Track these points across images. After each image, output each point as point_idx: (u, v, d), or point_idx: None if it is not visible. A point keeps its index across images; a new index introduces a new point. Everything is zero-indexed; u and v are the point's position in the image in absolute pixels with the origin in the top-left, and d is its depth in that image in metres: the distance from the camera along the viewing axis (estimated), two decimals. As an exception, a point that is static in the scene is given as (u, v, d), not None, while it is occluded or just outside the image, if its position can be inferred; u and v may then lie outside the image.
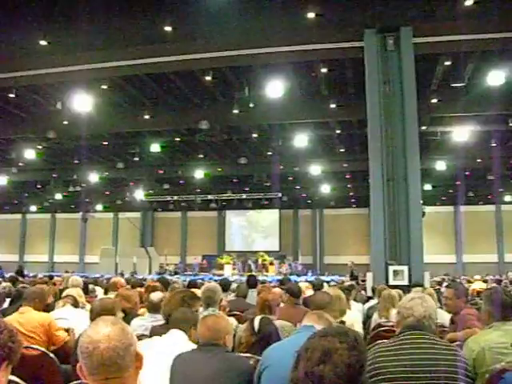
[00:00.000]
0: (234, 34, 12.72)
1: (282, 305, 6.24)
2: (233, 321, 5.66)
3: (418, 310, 3.22)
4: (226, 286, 8.89)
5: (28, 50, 13.33)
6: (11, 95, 17.18)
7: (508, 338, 3.47)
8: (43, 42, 12.97)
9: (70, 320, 5.87)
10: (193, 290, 7.87)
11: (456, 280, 18.69)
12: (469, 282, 18.16)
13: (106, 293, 8.66)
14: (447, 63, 15.01)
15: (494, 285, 18.02)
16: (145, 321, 5.51)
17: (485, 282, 18.08)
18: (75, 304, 6.46)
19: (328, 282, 14.90)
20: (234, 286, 10.29)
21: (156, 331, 4.53)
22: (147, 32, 12.88)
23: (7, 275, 18.59)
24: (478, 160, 26.01)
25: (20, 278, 12.85)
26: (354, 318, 6.22)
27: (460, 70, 15.49)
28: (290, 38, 12.62)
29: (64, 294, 7.10)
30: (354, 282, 12.18)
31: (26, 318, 5.15)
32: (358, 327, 5.77)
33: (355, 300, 8.98)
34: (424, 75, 15.37)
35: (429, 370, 2.96)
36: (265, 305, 5.27)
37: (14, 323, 4.76)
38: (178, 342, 3.75)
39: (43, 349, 4.79)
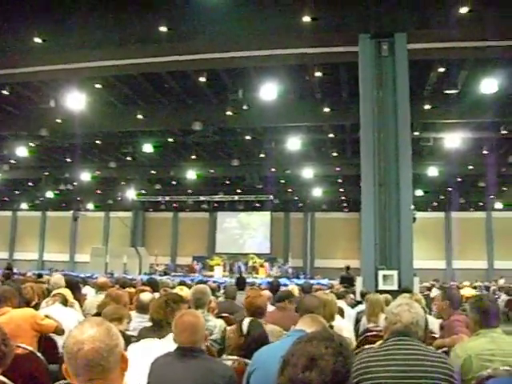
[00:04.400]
0: (229, 35, 12.72)
1: (269, 308, 6.23)
2: (221, 323, 5.66)
3: (405, 316, 3.22)
4: (212, 288, 8.86)
5: (22, 47, 13.27)
6: (4, 92, 17.09)
7: (494, 345, 3.48)
8: (38, 40, 12.93)
9: (59, 319, 5.83)
10: (183, 287, 7.87)
11: (445, 286, 18.74)
12: (458, 288, 18.20)
13: (97, 292, 8.61)
14: (441, 70, 15.10)
15: (484, 291, 18.11)
16: (133, 321, 5.49)
17: (474, 288, 18.16)
18: (64, 302, 6.42)
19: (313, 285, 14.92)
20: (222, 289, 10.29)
21: (144, 333, 4.52)
22: (142, 32, 12.86)
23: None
24: (470, 167, 26.15)
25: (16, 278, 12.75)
26: (343, 322, 6.23)
27: (453, 76, 15.57)
28: (284, 41, 12.64)
29: (53, 292, 7.06)
30: (344, 288, 12.15)
31: (6, 319, 5.08)
32: (348, 332, 5.77)
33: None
34: (417, 81, 15.44)
35: (415, 376, 2.96)
36: (253, 309, 5.26)
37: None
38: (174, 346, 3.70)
39: (31, 348, 4.77)
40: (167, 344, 3.70)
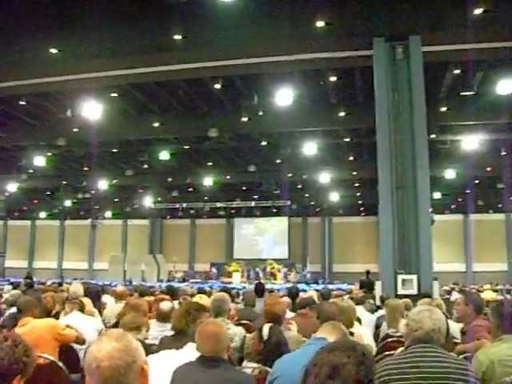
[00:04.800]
0: (243, 42, 12.75)
1: (288, 314, 6.22)
2: (241, 330, 5.66)
3: (426, 322, 3.19)
4: (231, 294, 8.85)
5: (38, 57, 13.40)
6: (22, 102, 17.31)
7: (517, 350, 3.44)
8: (53, 50, 13.04)
9: (79, 328, 5.85)
10: (201, 295, 7.88)
11: (465, 289, 18.58)
12: (478, 291, 18.04)
13: (117, 301, 8.64)
14: (456, 71, 15.00)
15: (505, 294, 17.91)
16: (153, 330, 5.51)
17: (495, 291, 17.98)
18: (82, 309, 6.43)
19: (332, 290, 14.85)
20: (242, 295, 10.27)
21: (166, 342, 4.53)
22: (156, 40, 12.93)
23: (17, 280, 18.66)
24: (488, 168, 25.94)
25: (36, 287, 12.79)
26: (363, 329, 6.19)
27: (469, 78, 15.46)
28: (299, 46, 12.64)
29: (74, 297, 7.10)
30: (364, 293, 12.08)
31: (28, 329, 5.11)
32: (367, 339, 5.73)
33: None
34: (433, 83, 15.36)
35: (437, 383, 2.94)
36: (271, 316, 5.26)
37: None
38: (194, 355, 3.70)
39: (52, 358, 4.80)
40: (187, 354, 3.71)
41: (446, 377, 2.96)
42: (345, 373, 1.87)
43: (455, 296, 13.87)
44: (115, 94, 17.85)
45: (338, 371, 1.88)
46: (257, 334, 4.73)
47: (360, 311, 7.38)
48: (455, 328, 6.07)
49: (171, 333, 4.79)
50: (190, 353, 3.71)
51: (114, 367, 1.93)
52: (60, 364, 4.68)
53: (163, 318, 5.57)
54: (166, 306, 5.75)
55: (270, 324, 4.84)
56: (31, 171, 28.27)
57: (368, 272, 19.73)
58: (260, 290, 9.50)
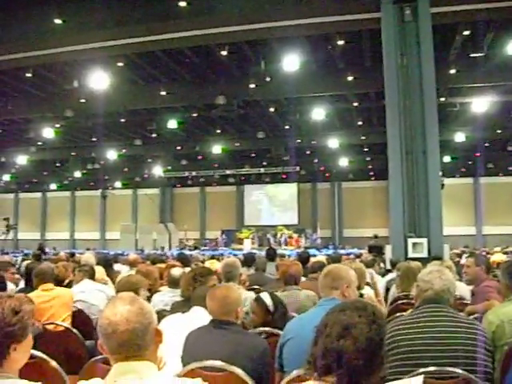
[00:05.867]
0: (249, 7, 12.61)
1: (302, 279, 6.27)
2: (252, 295, 5.70)
3: (436, 283, 3.22)
4: (249, 261, 8.90)
5: (43, 28, 13.32)
6: (28, 74, 17.22)
7: (527, 310, 3.46)
8: (58, 21, 12.96)
9: (89, 300, 5.92)
10: (213, 261, 7.94)
11: (475, 252, 18.59)
12: (488, 253, 18.05)
13: (131, 268, 8.73)
14: (466, 33, 14.78)
15: (514, 256, 17.90)
16: (164, 296, 5.58)
17: (505, 253, 17.98)
18: (92, 276, 6.50)
19: (348, 255, 14.91)
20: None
21: (176, 307, 4.58)
22: (162, 8, 12.81)
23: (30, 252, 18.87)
24: (498, 131, 25.74)
25: (43, 256, 12.97)
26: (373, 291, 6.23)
27: (479, 39, 15.26)
28: (305, 10, 12.46)
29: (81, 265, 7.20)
30: (373, 256, 12.13)
31: (53, 296, 5.21)
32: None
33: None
34: (442, 45, 15.16)
35: (447, 343, 2.97)
36: (288, 277, 5.31)
37: (39, 300, 4.86)
38: (199, 318, 3.76)
39: (67, 324, 4.88)
40: (191, 316, 3.81)
41: (455, 336, 2.99)
42: (356, 331, 1.89)
43: (465, 259, 13.89)
44: (121, 64, 17.73)
45: (349, 330, 1.90)
46: (259, 306, 4.57)
47: (370, 274, 7.39)
48: (465, 290, 6.10)
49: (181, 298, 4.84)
50: (194, 315, 3.79)
51: (132, 330, 1.97)
52: (75, 331, 4.75)
53: (174, 283, 5.62)
54: (176, 272, 5.81)
55: (265, 293, 4.77)
56: (40, 143, 28.34)
57: (376, 236, 19.72)
58: (272, 255, 9.58)
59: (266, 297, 4.59)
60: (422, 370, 2.81)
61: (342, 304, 2.11)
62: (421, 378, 2.65)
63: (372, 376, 1.90)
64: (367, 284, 6.31)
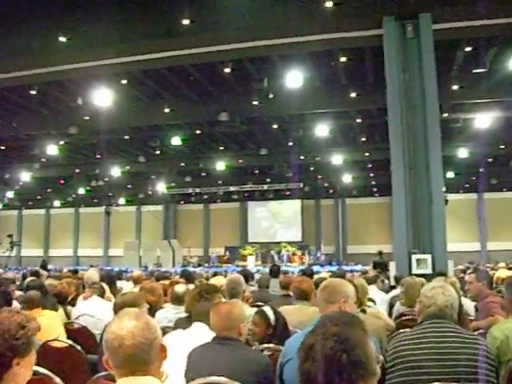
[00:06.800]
0: (252, 24, 12.68)
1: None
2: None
3: (439, 299, 3.21)
4: (247, 276, 8.91)
5: (48, 46, 13.40)
6: (33, 92, 17.33)
7: (531, 325, 3.45)
8: (62, 39, 13.03)
9: (96, 315, 5.92)
10: (218, 277, 7.93)
11: (479, 268, 18.53)
12: (493, 269, 17.98)
13: (135, 285, 8.72)
14: (468, 49, 14.87)
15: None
16: (168, 313, 5.57)
17: (510, 269, 17.89)
18: (101, 294, 6.51)
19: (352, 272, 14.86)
20: (256, 276, 10.32)
21: (180, 324, 4.57)
22: (165, 25, 12.89)
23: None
24: (501, 146, 25.75)
25: (42, 272, 12.85)
26: (376, 307, 6.22)
27: (481, 55, 15.30)
28: (308, 27, 12.54)
29: (90, 283, 7.18)
30: (376, 272, 12.11)
31: (42, 321, 5.22)
32: (383, 316, 5.77)
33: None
34: (444, 61, 15.22)
35: (450, 358, 2.96)
36: (300, 293, 5.33)
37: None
38: (200, 334, 3.76)
39: (70, 341, 4.87)
40: (192, 332, 3.83)
41: (459, 352, 2.98)
42: (312, 352, 1.78)
43: (468, 275, 13.85)
44: (125, 81, 17.86)
45: (310, 351, 1.79)
46: (261, 318, 4.57)
47: (373, 291, 7.39)
48: (469, 305, 6.08)
49: (185, 315, 4.83)
50: (195, 331, 3.78)
51: (137, 345, 1.98)
52: (78, 347, 4.74)
53: (178, 300, 5.62)
54: (180, 288, 5.81)
55: (267, 307, 4.78)
56: (44, 160, 28.40)
57: (381, 253, 19.71)
58: (275, 271, 9.57)
59: (267, 310, 4.60)
60: (425, 386, 2.79)
61: (314, 325, 1.94)
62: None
63: None
64: (370, 300, 6.30)
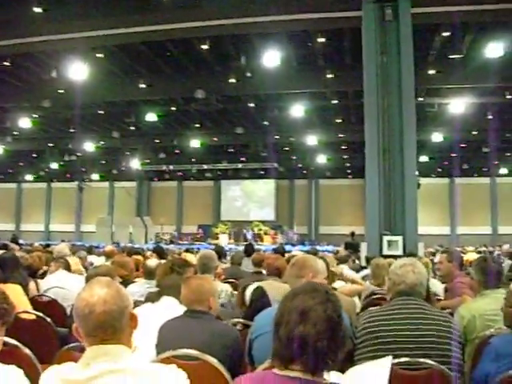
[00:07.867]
0: (231, 2, 12.60)
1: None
2: (228, 287, 5.74)
3: (409, 277, 3.24)
4: (220, 253, 8.93)
5: (22, 17, 13.17)
6: (6, 63, 17.02)
7: (497, 305, 3.52)
8: (37, 9, 12.80)
9: (66, 288, 5.89)
10: (188, 254, 7.95)
11: (451, 249, 18.79)
12: (462, 253, 18.26)
13: (107, 260, 8.68)
14: (445, 34, 14.94)
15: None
16: (140, 287, 5.57)
17: (478, 253, 18.21)
18: (68, 267, 6.46)
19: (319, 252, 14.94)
20: (229, 256, 10.36)
21: (150, 298, 4.58)
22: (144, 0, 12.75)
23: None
24: (474, 132, 26.01)
25: (13, 246, 12.68)
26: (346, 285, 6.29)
27: (458, 41, 15.40)
28: (287, 7, 12.49)
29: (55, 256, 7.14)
30: (348, 252, 12.23)
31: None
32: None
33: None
34: (422, 46, 15.28)
35: (420, 335, 3.01)
36: (273, 270, 5.37)
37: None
38: (169, 308, 3.78)
39: (39, 313, 4.85)
40: (161, 306, 3.86)
41: (429, 328, 3.03)
42: (313, 314, 1.90)
43: (439, 255, 14.04)
44: (101, 55, 17.58)
45: (307, 314, 1.90)
46: (239, 296, 4.71)
47: (344, 270, 7.47)
48: (439, 287, 6.18)
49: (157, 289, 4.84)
50: (164, 305, 3.80)
51: (109, 312, 1.98)
52: (48, 319, 4.72)
53: (150, 274, 5.63)
54: (152, 263, 5.81)
55: (255, 286, 4.84)
56: (16, 133, 27.97)
57: (353, 233, 19.82)
58: (250, 250, 9.62)
59: (249, 289, 4.67)
60: (394, 360, 2.84)
61: (292, 290, 2.10)
62: (389, 358, 2.68)
63: (337, 353, 1.91)
64: (340, 279, 6.37)
